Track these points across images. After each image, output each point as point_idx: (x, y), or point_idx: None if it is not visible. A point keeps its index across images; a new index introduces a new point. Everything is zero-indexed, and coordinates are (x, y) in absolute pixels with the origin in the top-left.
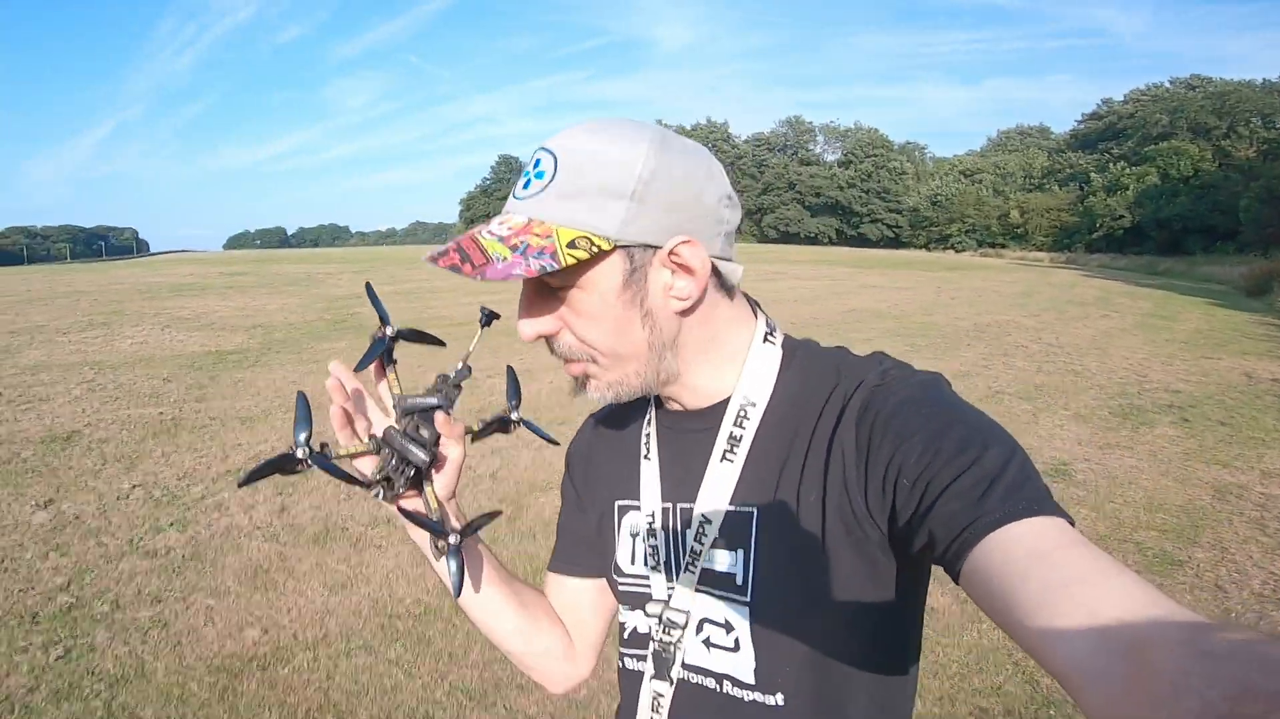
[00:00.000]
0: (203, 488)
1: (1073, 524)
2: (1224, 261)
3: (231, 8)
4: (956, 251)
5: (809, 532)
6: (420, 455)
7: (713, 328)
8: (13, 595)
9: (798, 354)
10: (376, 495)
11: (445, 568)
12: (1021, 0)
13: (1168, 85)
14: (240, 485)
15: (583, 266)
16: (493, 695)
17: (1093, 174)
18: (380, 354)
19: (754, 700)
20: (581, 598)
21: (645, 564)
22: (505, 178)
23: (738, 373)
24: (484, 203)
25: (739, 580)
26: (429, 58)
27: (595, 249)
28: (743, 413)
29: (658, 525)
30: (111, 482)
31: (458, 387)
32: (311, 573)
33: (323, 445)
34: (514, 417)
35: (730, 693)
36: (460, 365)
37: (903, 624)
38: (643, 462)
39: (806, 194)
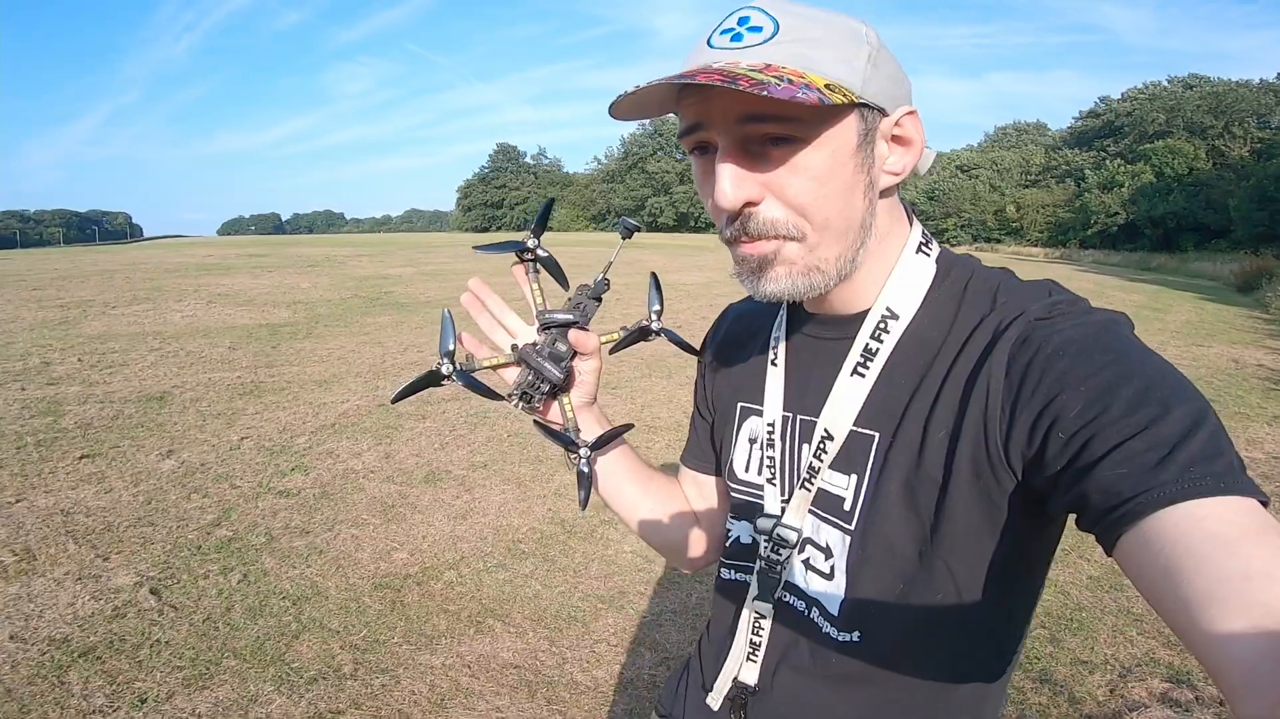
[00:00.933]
0: (306, 439)
1: (1266, 505)
2: (1215, 258)
3: None
4: (952, 245)
5: (929, 468)
6: (555, 373)
7: (887, 221)
8: (174, 531)
9: (954, 271)
10: (517, 408)
11: (576, 479)
12: None
13: (1165, 84)
14: (393, 402)
15: (825, 116)
16: (619, 600)
17: (1089, 171)
18: (526, 262)
19: (829, 633)
20: (708, 489)
21: (760, 473)
22: (504, 166)
23: (885, 280)
24: (482, 190)
25: (847, 506)
26: (429, 45)
27: (846, 96)
28: (883, 325)
29: (777, 435)
30: (219, 434)
31: (597, 299)
32: (432, 507)
33: (468, 356)
34: (655, 326)
35: (814, 620)
36: (600, 277)
37: (1014, 583)
38: (769, 367)
39: None
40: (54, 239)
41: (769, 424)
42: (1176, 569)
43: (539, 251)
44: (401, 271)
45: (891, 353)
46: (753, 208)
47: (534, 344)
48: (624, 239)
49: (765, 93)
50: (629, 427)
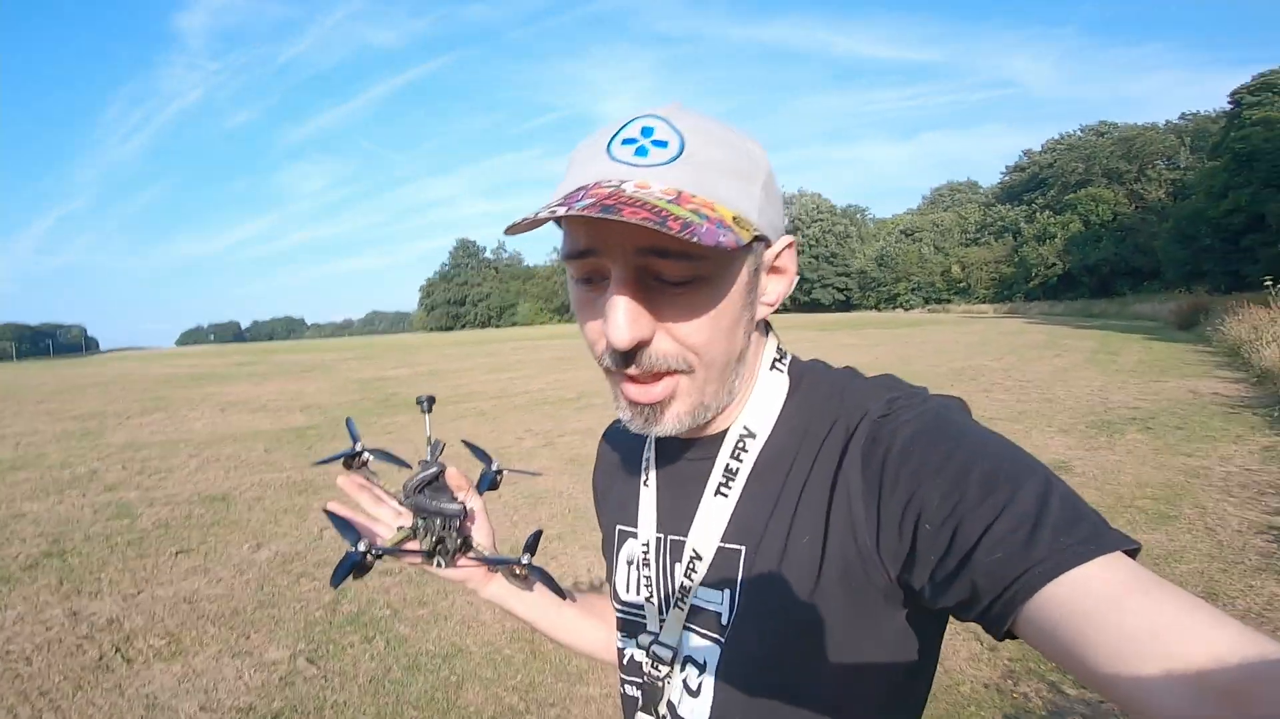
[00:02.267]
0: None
1: (1138, 551)
2: (1152, 299)
3: (178, 91)
4: (905, 309)
5: (796, 575)
6: (455, 505)
7: (756, 344)
8: (299, 611)
9: (804, 381)
10: (438, 565)
11: (540, 586)
12: (940, 53)
13: (1079, 133)
14: (334, 586)
15: (722, 254)
16: None
17: (1022, 224)
18: (357, 469)
19: None
20: None
21: (639, 593)
22: (464, 263)
23: (743, 399)
24: (444, 289)
25: (723, 620)
26: (381, 141)
27: (749, 233)
28: (741, 444)
29: (651, 556)
30: (296, 527)
31: (438, 465)
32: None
33: (371, 545)
34: (494, 467)
35: None
36: (431, 442)
37: (895, 682)
38: (642, 488)
39: None
40: (6, 354)
41: (644, 545)
42: (1079, 634)
43: (365, 455)
44: (398, 373)
45: (751, 469)
46: (644, 345)
47: (419, 499)
48: (426, 413)
49: (695, 238)
50: (539, 532)
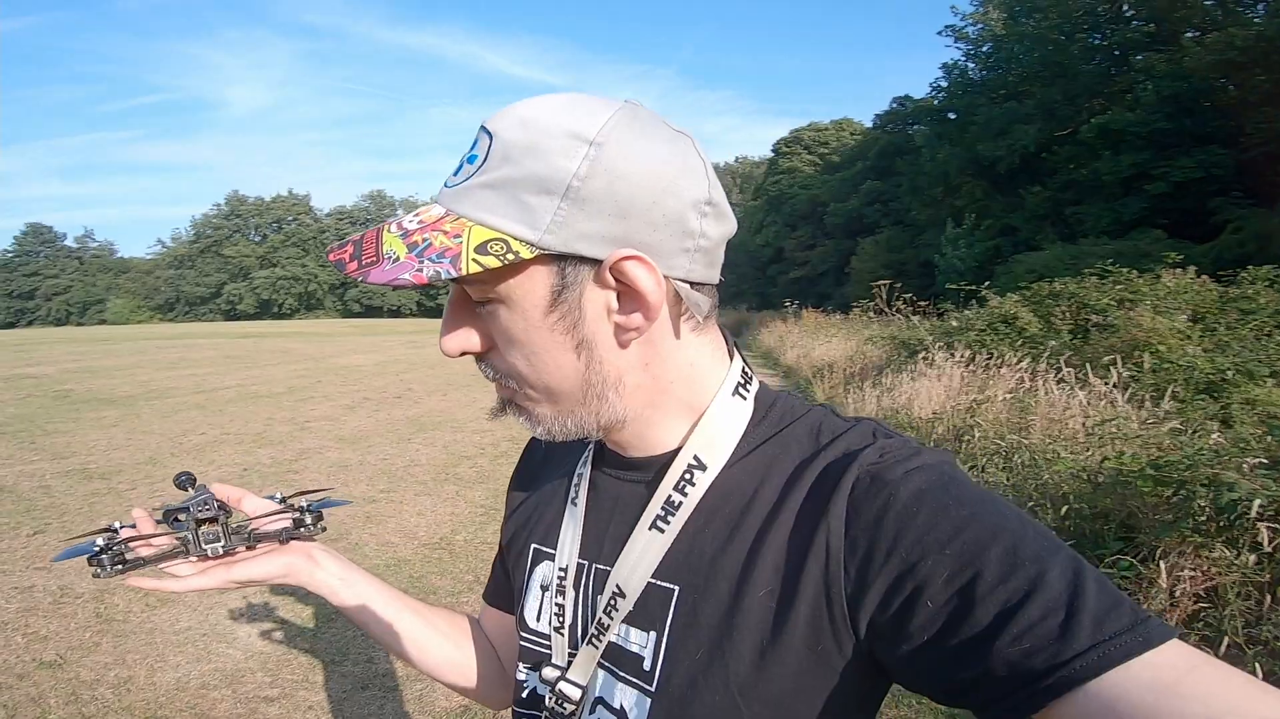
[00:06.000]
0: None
1: (1183, 637)
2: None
3: None
4: None
5: (747, 630)
6: (206, 489)
7: (672, 369)
8: None
9: (772, 411)
10: (213, 553)
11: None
12: (568, 78)
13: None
14: (55, 561)
15: (498, 276)
16: None
17: None
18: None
19: None
20: (511, 629)
21: (549, 623)
22: (35, 250)
23: (694, 425)
24: (4, 279)
25: (646, 665)
26: None
27: (510, 256)
28: (687, 476)
29: (568, 583)
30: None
31: (200, 487)
32: None
33: (112, 541)
34: (300, 503)
35: None
36: (192, 497)
37: None
38: (568, 506)
39: None
40: None
41: (560, 570)
42: None
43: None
44: (40, 370)
45: (698, 504)
46: (483, 357)
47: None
48: (188, 489)
49: (364, 279)
50: (329, 489)
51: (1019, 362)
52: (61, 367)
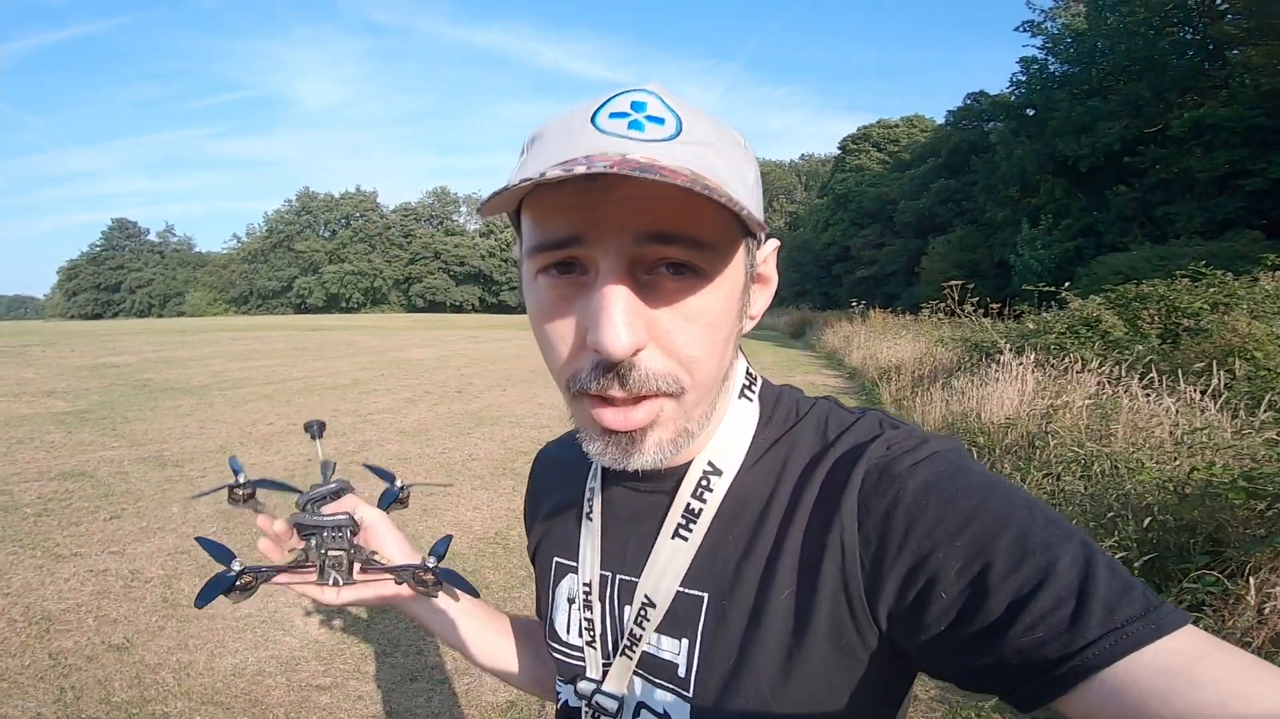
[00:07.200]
0: None
1: (1196, 622)
2: (772, 313)
3: None
4: None
5: (773, 631)
6: (340, 516)
7: (733, 365)
8: None
9: (777, 411)
10: (334, 583)
11: (449, 590)
12: (631, 74)
13: None
14: (199, 607)
15: (729, 247)
16: None
17: None
18: (243, 503)
19: None
20: None
21: (580, 636)
22: (121, 244)
23: (711, 429)
24: (93, 272)
25: (681, 672)
26: (13, 101)
27: (759, 225)
28: (705, 482)
29: (594, 596)
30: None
31: (334, 480)
32: None
33: (245, 565)
34: (398, 484)
35: None
36: (325, 464)
37: None
38: (584, 520)
39: (451, 263)
40: None
41: (585, 584)
42: (1146, 713)
43: (248, 488)
44: (122, 360)
45: (717, 511)
46: (635, 356)
47: (300, 515)
48: (316, 439)
49: (742, 210)
50: (448, 537)
51: (1100, 366)
52: (143, 356)
